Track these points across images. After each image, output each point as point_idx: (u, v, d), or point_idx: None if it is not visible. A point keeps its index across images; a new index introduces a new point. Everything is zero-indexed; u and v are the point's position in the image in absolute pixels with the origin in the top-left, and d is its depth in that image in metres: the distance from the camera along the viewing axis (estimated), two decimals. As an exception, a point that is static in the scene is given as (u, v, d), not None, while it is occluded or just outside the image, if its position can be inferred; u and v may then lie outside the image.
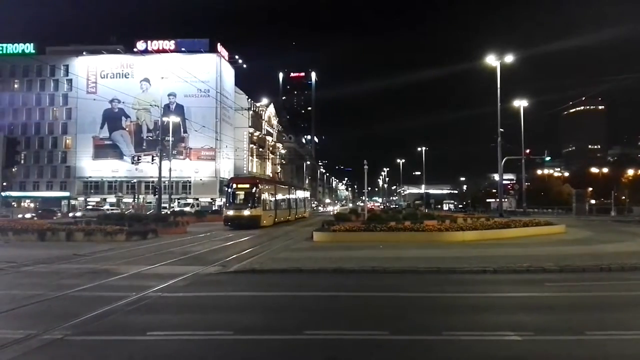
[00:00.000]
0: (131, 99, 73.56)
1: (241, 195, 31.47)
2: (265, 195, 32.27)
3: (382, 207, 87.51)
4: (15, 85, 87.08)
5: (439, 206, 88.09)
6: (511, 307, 8.40)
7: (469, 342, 6.20)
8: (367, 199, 41.55)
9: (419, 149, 78.96)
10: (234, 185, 32.20)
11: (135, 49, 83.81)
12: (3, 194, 52.04)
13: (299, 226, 34.27)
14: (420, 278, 11.26)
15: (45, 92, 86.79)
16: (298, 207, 46.03)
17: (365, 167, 33.29)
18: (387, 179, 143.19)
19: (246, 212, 29.97)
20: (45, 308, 8.39)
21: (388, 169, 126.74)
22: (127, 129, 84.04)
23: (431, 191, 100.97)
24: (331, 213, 59.30)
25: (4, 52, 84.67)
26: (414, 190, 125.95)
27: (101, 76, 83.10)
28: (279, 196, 38.14)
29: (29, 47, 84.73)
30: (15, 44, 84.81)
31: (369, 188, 52.77)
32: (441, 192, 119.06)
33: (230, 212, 30.82)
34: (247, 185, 32.09)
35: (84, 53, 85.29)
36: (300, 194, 49.91)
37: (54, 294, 9.31)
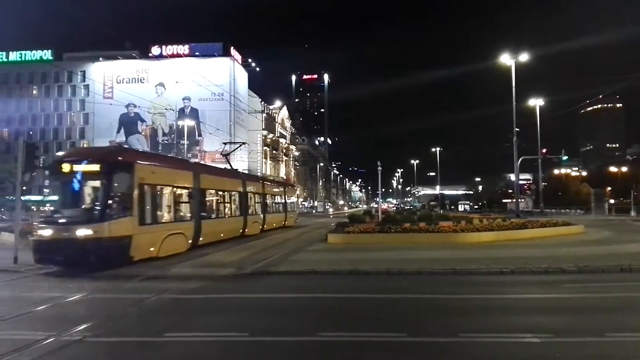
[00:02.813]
0: (147, 103, 74.57)
1: (80, 189, 13.40)
2: (147, 191, 14.65)
3: (397, 208, 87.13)
4: (34, 92, 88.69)
5: (454, 207, 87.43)
6: (529, 309, 8.29)
7: (486, 344, 6.13)
8: (381, 200, 40.82)
9: (434, 149, 78.54)
10: (66, 168, 13.25)
11: (150, 54, 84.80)
12: (23, 198, 53.12)
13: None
14: (436, 280, 11.17)
15: (63, 98, 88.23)
16: (268, 211, 29.77)
17: (379, 168, 33.10)
18: (401, 180, 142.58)
19: (81, 232, 12.36)
20: (64, 310, 8.52)
21: (402, 170, 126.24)
22: (143, 133, 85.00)
23: (446, 192, 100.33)
24: (346, 214, 57.04)
25: (23, 59, 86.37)
26: (428, 191, 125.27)
27: (117, 81, 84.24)
28: (200, 193, 18.98)
29: (47, 54, 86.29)
30: (34, 51, 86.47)
31: (383, 189, 50.88)
32: (456, 193, 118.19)
33: (46, 233, 12.68)
34: (96, 168, 13.34)
35: (100, 59, 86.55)
36: (274, 190, 32.95)
37: (73, 296, 9.44)
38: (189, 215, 17.76)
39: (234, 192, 23.94)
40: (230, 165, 31.48)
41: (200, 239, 18.33)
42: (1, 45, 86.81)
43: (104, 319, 7.53)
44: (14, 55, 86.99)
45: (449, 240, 18.49)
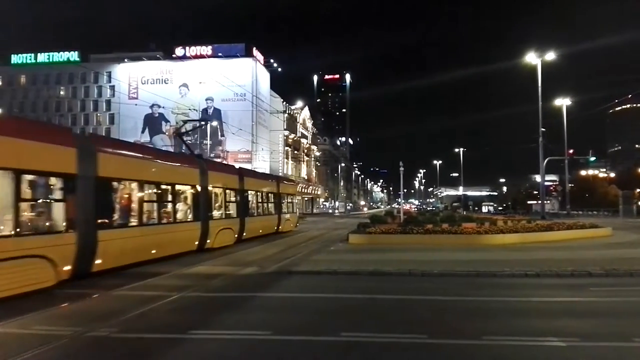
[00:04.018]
0: (171, 103, 75.64)
1: None
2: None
3: (419, 209, 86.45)
4: (61, 92, 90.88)
5: (478, 208, 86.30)
6: (554, 312, 8.13)
7: (510, 348, 6.05)
8: (403, 201, 40.52)
9: (457, 150, 77.64)
10: None
11: (173, 55, 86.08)
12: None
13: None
14: (459, 281, 11.05)
15: (90, 98, 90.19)
16: (250, 213, 22.85)
17: (401, 168, 32.89)
18: (423, 180, 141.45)
19: None
20: (90, 306, 8.72)
21: (425, 170, 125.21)
22: (167, 133, 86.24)
23: (469, 193, 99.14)
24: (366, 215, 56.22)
25: (51, 60, 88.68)
26: (451, 192, 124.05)
27: (142, 82, 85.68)
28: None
29: (74, 55, 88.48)
30: (61, 53, 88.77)
31: (405, 190, 50.00)
32: (480, 194, 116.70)
33: None
34: None
35: (126, 60, 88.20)
36: (259, 187, 24.97)
37: (97, 292, 9.66)
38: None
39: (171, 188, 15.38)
40: (188, 148, 23.65)
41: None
42: (30, 47, 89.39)
43: (128, 315, 7.68)
44: (42, 57, 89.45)
45: (473, 242, 18.26)
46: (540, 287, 10.42)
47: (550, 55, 32.41)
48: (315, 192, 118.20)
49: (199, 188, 17.08)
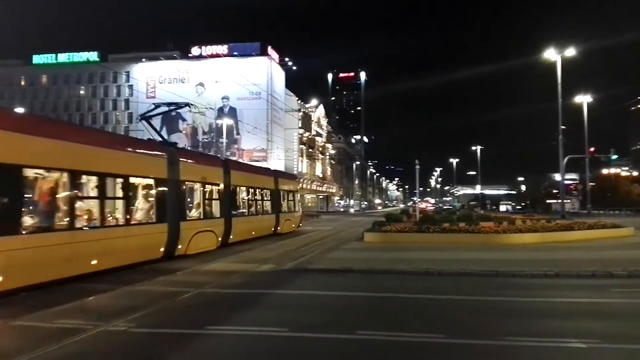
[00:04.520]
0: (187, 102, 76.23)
1: None
2: None
3: (435, 208, 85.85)
4: (81, 92, 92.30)
5: (495, 207, 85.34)
6: (575, 313, 7.98)
7: (530, 348, 5.95)
8: (419, 199, 40.28)
9: (474, 147, 76.85)
10: None
11: (190, 55, 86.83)
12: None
13: None
14: (476, 281, 10.93)
15: (109, 98, 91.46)
16: (238, 213, 19.85)
17: (417, 166, 32.69)
18: (439, 179, 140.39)
19: None
20: (110, 301, 8.84)
21: (441, 168, 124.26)
22: (184, 132, 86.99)
23: (487, 192, 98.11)
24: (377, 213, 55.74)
25: (71, 60, 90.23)
26: (468, 190, 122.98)
27: (159, 81, 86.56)
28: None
29: (93, 56, 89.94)
30: (81, 53, 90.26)
31: (421, 188, 49.36)
32: (497, 193, 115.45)
33: None
34: None
35: (143, 60, 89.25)
36: (251, 182, 21.88)
37: (117, 288, 9.79)
38: None
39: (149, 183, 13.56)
40: (158, 134, 18.20)
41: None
42: (50, 48, 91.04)
43: (147, 311, 7.76)
44: (62, 57, 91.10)
45: (490, 241, 18.05)
46: (560, 287, 10.24)
47: (571, 51, 31.84)
48: (330, 191, 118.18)
49: (166, 182, 13.97)
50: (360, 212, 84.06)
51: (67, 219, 10.21)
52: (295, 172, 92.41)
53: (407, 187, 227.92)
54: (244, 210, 20.65)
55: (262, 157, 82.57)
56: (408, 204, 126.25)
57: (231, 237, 18.34)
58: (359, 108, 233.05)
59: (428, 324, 7.09)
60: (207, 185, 17.05)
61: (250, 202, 21.42)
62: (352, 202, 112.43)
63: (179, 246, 14.55)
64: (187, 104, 19.53)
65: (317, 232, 27.64)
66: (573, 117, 44.57)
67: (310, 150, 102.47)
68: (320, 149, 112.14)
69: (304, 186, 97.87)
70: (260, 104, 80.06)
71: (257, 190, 22.46)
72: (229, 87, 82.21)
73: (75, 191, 10.62)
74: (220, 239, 17.40)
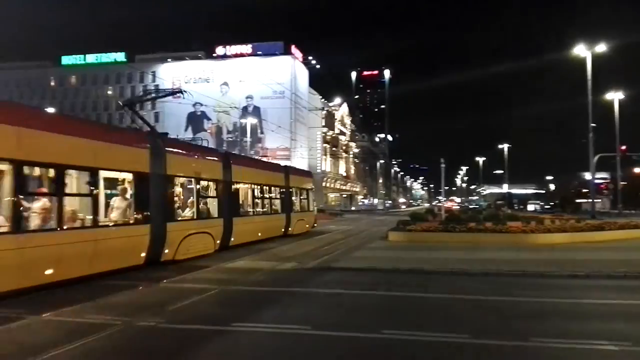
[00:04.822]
0: (212, 102, 77.19)
1: None
2: None
3: (461, 207, 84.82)
4: (109, 92, 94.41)
5: (523, 207, 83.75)
6: (606, 315, 7.77)
7: (558, 350, 5.82)
8: (444, 198, 39.81)
9: (501, 146, 75.56)
10: None
11: (214, 54, 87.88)
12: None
13: None
14: (503, 281, 10.75)
15: (136, 97, 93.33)
16: (240, 212, 17.89)
17: (442, 165, 32.31)
18: (465, 178, 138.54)
19: None
20: (137, 297, 9.02)
21: (467, 167, 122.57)
22: (209, 131, 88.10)
23: (514, 191, 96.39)
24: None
25: (99, 61, 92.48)
26: (495, 189, 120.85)
27: (185, 81, 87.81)
28: None
29: (121, 56, 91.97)
30: (108, 53, 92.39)
31: (447, 187, 48.44)
32: (525, 192, 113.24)
33: None
34: None
35: (169, 60, 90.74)
36: (257, 177, 20.06)
37: (144, 284, 9.99)
38: None
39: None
40: (145, 122, 16.93)
41: None
42: (79, 49, 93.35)
43: (174, 307, 7.89)
44: (90, 58, 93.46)
45: (518, 241, 17.73)
46: (591, 288, 9.99)
47: (601, 47, 30.99)
48: (354, 189, 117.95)
49: (148, 177, 12.06)
50: (384, 211, 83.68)
51: (10, 219, 8.39)
52: (318, 170, 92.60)
53: (432, 186, 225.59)
54: (248, 209, 18.85)
55: (286, 155, 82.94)
56: (433, 203, 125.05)
57: (232, 239, 16.44)
58: (383, 106, 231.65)
59: (454, 324, 7.00)
60: (202, 182, 15.13)
61: (255, 200, 19.61)
62: (375, 201, 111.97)
63: (166, 250, 12.63)
64: (180, 91, 17.79)
65: (338, 232, 27.60)
66: (604, 114, 43.34)
67: (333, 149, 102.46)
68: (344, 147, 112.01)
69: (328, 185, 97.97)
70: (284, 103, 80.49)
71: (265, 187, 20.71)
72: (253, 87, 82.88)
73: (23, 185, 8.84)
74: (218, 241, 15.48)
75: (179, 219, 13.76)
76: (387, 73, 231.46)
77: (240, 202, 18.28)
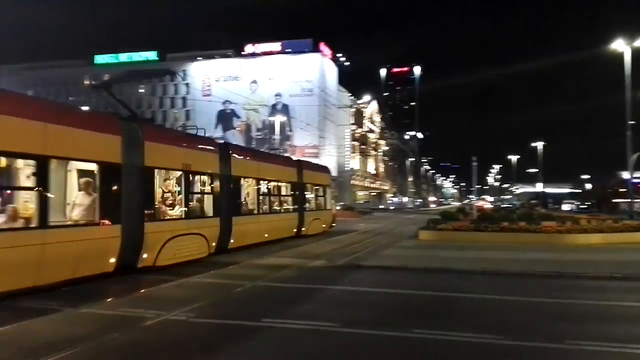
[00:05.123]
0: (241, 99, 77.93)
1: None
2: None
3: (493, 206, 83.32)
4: (140, 90, 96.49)
5: (557, 206, 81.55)
6: (647, 319, 7.49)
7: (595, 354, 5.65)
8: (476, 197, 39.10)
9: (535, 144, 73.73)
10: None
11: (243, 52, 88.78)
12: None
13: None
14: (538, 282, 10.50)
15: (167, 96, 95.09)
16: (241, 210, 16.12)
17: (474, 163, 31.75)
18: (498, 176, 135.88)
19: None
20: (169, 292, 9.21)
21: (500, 165, 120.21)
22: (238, 129, 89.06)
23: (548, 190, 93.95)
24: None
25: (131, 60, 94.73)
26: (528, 188, 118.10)
27: (215, 79, 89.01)
28: None
29: (152, 55, 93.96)
30: (140, 52, 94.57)
31: (478, 186, 47.40)
32: (560, 192, 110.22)
33: None
34: None
35: (199, 58, 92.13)
36: (265, 171, 18.17)
37: (176, 280, 10.18)
38: None
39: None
40: (125, 106, 13.83)
41: None
42: (111, 48, 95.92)
43: (205, 302, 8.01)
44: (123, 57, 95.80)
45: (553, 242, 17.27)
46: (628, 290, 9.64)
47: (641, 41, 29.77)
48: (383, 188, 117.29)
49: (118, 169, 10.28)
50: (413, 210, 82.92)
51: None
52: (347, 168, 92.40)
53: (463, 184, 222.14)
54: (251, 208, 16.86)
55: (314, 153, 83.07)
56: (464, 202, 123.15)
57: (232, 241, 14.80)
58: (413, 103, 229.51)
59: (485, 324, 6.88)
60: (193, 175, 13.34)
61: (261, 197, 17.46)
62: (405, 199, 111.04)
63: (144, 255, 10.89)
64: (166, 72, 18.42)
65: (365, 231, 27.45)
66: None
67: (362, 146, 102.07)
68: (373, 145, 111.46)
69: (356, 183, 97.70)
70: (313, 100, 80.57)
71: (272, 182, 18.70)
72: (281, 84, 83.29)
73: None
74: (214, 243, 13.68)
75: (162, 218, 11.91)
76: (417, 69, 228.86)
77: (242, 199, 16.32)
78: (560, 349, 5.77)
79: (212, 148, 14.72)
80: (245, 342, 6.03)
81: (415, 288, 9.61)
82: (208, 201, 13.86)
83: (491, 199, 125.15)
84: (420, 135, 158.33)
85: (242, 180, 16.30)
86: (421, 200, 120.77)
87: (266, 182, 18.13)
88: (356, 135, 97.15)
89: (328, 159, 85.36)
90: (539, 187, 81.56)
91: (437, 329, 6.51)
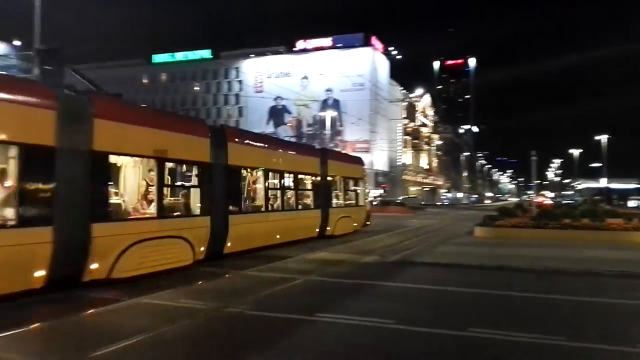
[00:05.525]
0: (293, 95, 78.82)
1: None
2: None
3: (553, 202, 79.76)
4: (195, 88, 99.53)
5: (623, 202, 76.92)
6: None
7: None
8: (535, 193, 37.57)
9: (598, 137, 69.85)
10: None
11: (294, 49, 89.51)
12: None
13: None
14: (602, 282, 9.93)
15: (221, 93, 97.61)
16: (237, 205, 13.01)
17: (533, 157, 30.46)
18: (559, 171, 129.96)
19: None
20: (225, 284, 9.46)
21: (561, 160, 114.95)
22: (289, 125, 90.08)
23: (613, 185, 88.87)
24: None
25: (187, 58, 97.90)
26: (591, 184, 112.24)
27: (267, 76, 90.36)
28: None
29: (207, 53, 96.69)
30: (196, 51, 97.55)
31: (538, 181, 45.09)
32: (626, 187, 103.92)
33: None
34: None
35: (251, 55, 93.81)
36: (277, 160, 15.25)
37: (226, 274, 10.45)
38: None
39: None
40: (94, 84, 10.71)
41: None
42: (167, 47, 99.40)
43: (259, 295, 8.16)
44: (179, 56, 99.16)
45: (619, 240, 16.30)
46: None
47: None
48: (436, 183, 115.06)
49: (52, 154, 7.91)
50: (468, 206, 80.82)
51: None
52: (399, 163, 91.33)
53: (522, 179, 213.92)
54: (257, 204, 14.26)
55: (365, 148, 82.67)
56: (522, 198, 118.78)
57: (228, 244, 12.26)
58: (467, 96, 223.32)
59: (545, 325, 6.58)
60: (171, 164, 10.89)
61: (271, 191, 14.86)
62: (459, 195, 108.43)
63: (92, 266, 8.52)
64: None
65: (416, 228, 26.98)
66: None
67: (415, 141, 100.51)
68: (426, 139, 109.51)
69: (408, 178, 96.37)
70: (364, 94, 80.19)
71: (287, 174, 15.84)
72: (332, 79, 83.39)
73: None
74: (202, 248, 11.18)
75: (122, 218, 9.53)
76: (472, 61, 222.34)
77: (244, 194, 13.63)
78: (628, 353, 5.45)
79: (201, 131, 11.85)
80: (298, 336, 6.07)
81: (470, 286, 9.34)
82: (194, 197, 11.30)
83: (551, 194, 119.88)
84: (475, 128, 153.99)
85: (243, 172, 13.58)
86: (477, 196, 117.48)
87: (278, 173, 15.33)
88: (408, 129, 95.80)
89: (379, 154, 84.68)
90: (603, 182, 77.28)
91: (494, 328, 6.29)
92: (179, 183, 11.62)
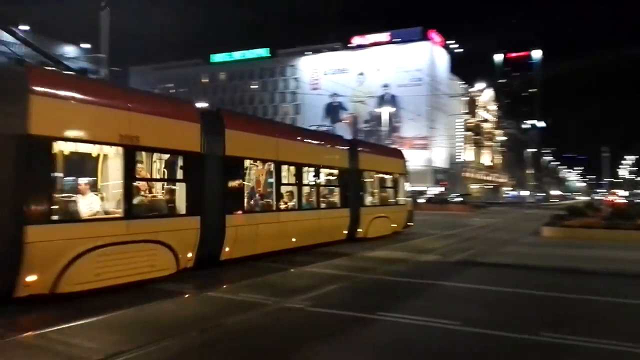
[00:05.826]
0: (349, 92, 78.63)
1: None
2: None
3: (627, 201, 74.76)
4: (252, 86, 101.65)
5: None
6: None
7: None
8: (605, 191, 35.36)
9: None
10: None
11: (350, 44, 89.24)
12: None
13: None
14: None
15: (277, 91, 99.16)
16: (237, 204, 10.91)
17: (605, 154, 28.67)
18: (633, 168, 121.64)
19: None
20: (287, 279, 9.58)
21: (636, 156, 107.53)
22: (345, 121, 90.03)
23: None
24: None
25: (245, 57, 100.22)
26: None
27: (323, 73, 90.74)
28: None
29: (265, 52, 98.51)
30: (253, 50, 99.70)
31: (610, 179, 42.33)
32: None
33: None
34: None
35: (308, 53, 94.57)
36: (293, 151, 13.15)
37: (298, 268, 10.52)
38: None
39: None
40: (44, 54, 9.10)
41: None
42: (225, 46, 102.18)
43: (319, 291, 8.16)
44: (237, 55, 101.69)
45: None
46: None
47: None
48: (499, 180, 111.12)
49: None
50: (534, 204, 77.36)
51: None
52: (459, 160, 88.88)
53: (594, 177, 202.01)
54: (265, 202, 12.30)
55: (423, 144, 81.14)
56: (592, 197, 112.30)
57: (226, 249, 10.46)
58: (532, 90, 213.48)
59: (624, 331, 6.13)
60: (150, 154, 9.47)
61: (284, 187, 12.99)
62: (524, 193, 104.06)
63: (29, 278, 6.78)
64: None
65: (478, 228, 26.12)
66: None
67: (476, 137, 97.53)
68: (488, 135, 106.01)
69: (469, 175, 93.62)
70: (422, 90, 78.70)
71: (306, 168, 13.73)
72: (389, 75, 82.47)
73: None
74: (190, 254, 9.44)
75: (73, 219, 7.68)
76: (537, 53, 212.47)
77: (247, 190, 11.69)
78: None
79: (188, 114, 9.94)
80: (360, 334, 5.99)
81: (538, 288, 8.87)
82: (179, 193, 9.54)
83: (624, 193, 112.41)
84: (541, 124, 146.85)
85: (246, 164, 11.72)
86: (543, 194, 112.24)
87: (294, 166, 13.23)
88: (469, 125, 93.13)
89: (438, 151, 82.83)
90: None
91: (567, 333, 5.93)
92: (155, 177, 9.83)
